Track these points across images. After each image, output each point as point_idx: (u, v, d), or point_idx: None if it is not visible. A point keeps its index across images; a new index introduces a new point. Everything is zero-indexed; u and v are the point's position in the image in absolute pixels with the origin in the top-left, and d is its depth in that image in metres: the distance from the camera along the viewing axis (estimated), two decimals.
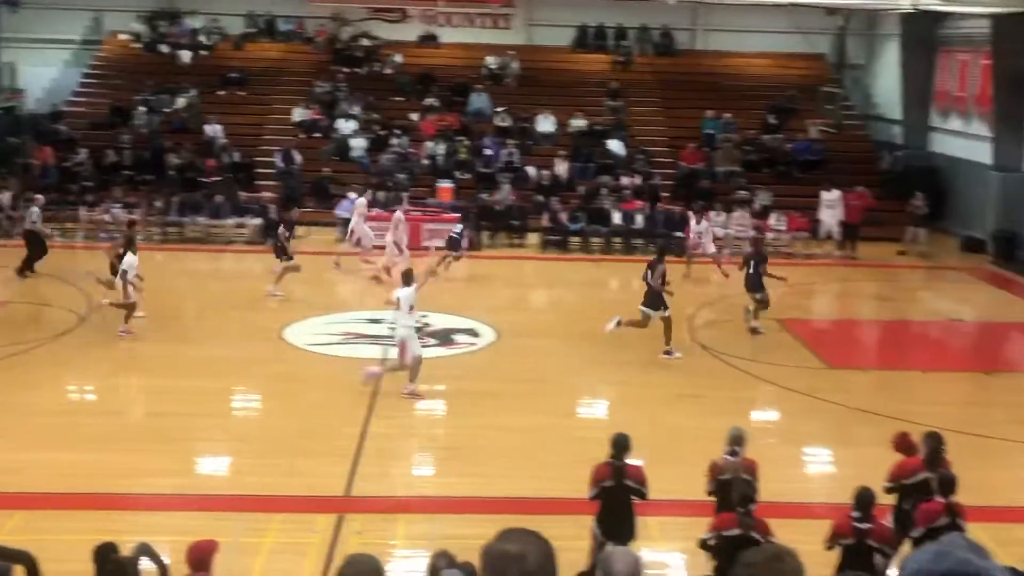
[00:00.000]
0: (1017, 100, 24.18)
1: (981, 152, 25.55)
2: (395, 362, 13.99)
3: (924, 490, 8.40)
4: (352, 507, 10.69)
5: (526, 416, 13.28)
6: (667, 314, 15.77)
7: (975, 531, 9.10)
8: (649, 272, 15.97)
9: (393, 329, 14.30)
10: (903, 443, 9.05)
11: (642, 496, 8.63)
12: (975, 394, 15.51)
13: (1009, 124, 24.41)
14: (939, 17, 26.66)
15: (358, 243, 21.48)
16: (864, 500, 7.89)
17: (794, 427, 13.72)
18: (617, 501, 8.59)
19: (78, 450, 11.78)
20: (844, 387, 14.98)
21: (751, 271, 17.50)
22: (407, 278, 14.02)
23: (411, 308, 13.75)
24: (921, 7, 20.71)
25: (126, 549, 7.49)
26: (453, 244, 21.16)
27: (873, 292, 22.18)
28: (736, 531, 7.75)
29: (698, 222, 21.77)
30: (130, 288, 16.22)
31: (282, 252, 19.17)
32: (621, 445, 8.63)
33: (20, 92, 32.17)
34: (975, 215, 25.71)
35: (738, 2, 22.25)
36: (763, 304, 17.38)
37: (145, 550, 7.51)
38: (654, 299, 15.78)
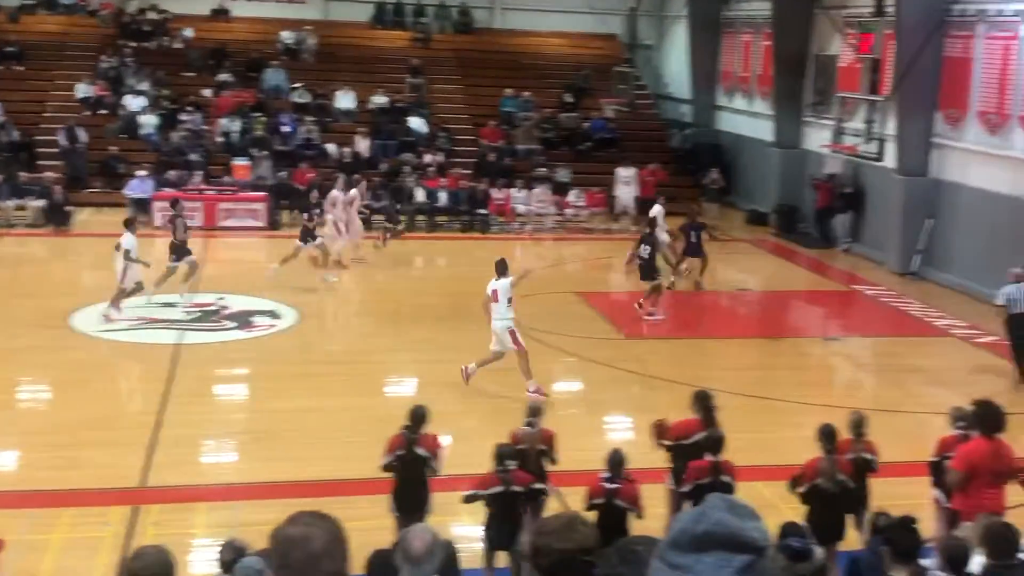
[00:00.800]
0: (795, 80, 25.52)
1: (763, 130, 26.86)
2: (494, 355, 13.51)
3: (700, 450, 8.71)
4: (148, 498, 10.31)
5: (329, 398, 13.14)
6: (659, 282, 17.22)
7: (764, 489, 9.61)
8: (645, 247, 16.98)
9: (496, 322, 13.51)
10: (659, 431, 9.23)
11: (433, 469, 8.63)
12: (762, 359, 16.33)
13: (788, 103, 25.74)
14: None
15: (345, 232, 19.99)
16: (613, 461, 8.18)
17: (594, 397, 14.10)
18: (410, 473, 8.58)
19: None
20: (641, 356, 15.49)
21: (692, 240, 19.09)
22: (502, 269, 13.48)
23: (509, 300, 13.30)
24: None
25: None
26: (391, 218, 22.04)
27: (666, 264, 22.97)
28: (499, 488, 7.97)
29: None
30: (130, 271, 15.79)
31: (309, 234, 18.49)
32: (417, 416, 8.65)
33: None
34: (759, 190, 27.04)
35: None
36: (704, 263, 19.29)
37: None
38: (649, 270, 16.99)
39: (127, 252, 15.73)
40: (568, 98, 29.69)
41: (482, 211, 24.60)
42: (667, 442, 9.05)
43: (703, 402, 8.96)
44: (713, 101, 30.14)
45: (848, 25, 23.35)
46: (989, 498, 7.95)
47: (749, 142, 27.91)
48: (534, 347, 15.65)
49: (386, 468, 8.66)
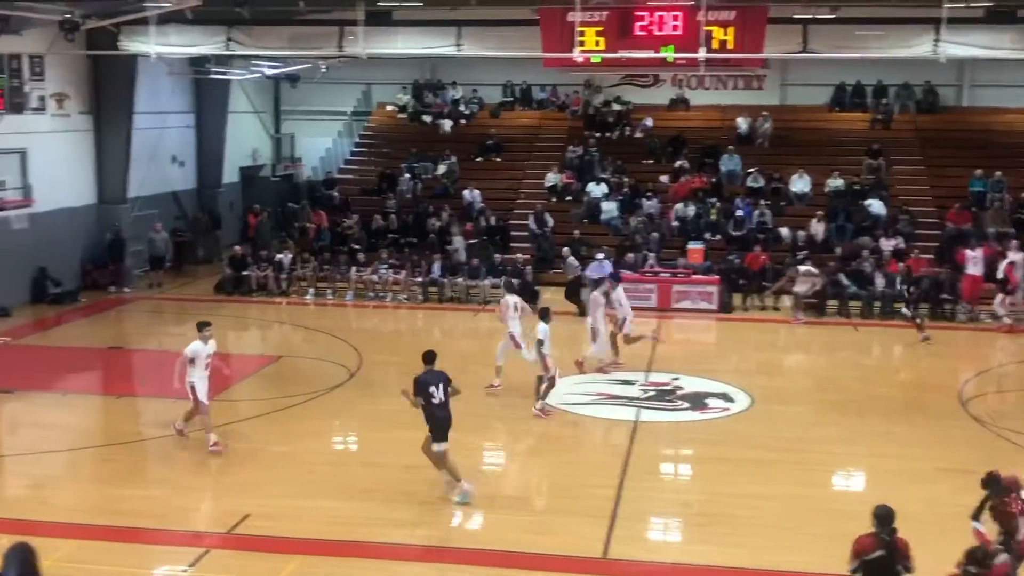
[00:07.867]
0: None
1: None
2: None
3: None
4: (609, 570, 10.67)
5: (780, 486, 12.96)
6: None
7: None
8: None
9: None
10: None
11: (907, 569, 8.15)
12: None
13: None
14: None
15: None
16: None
17: None
18: (880, 573, 8.17)
19: (343, 499, 12.35)
20: None
21: None
22: None
23: None
24: None
25: None
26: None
27: None
28: None
29: None
30: (548, 360, 15.78)
31: None
32: (884, 517, 8.22)
33: (298, 161, 34.96)
34: None
35: (1010, 57, 21.19)
36: None
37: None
38: None
39: (539, 343, 15.76)
40: None
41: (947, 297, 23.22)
42: None
43: None
44: None
45: None
46: None
47: None
48: (1001, 446, 14.46)
49: (854, 572, 8.30)
